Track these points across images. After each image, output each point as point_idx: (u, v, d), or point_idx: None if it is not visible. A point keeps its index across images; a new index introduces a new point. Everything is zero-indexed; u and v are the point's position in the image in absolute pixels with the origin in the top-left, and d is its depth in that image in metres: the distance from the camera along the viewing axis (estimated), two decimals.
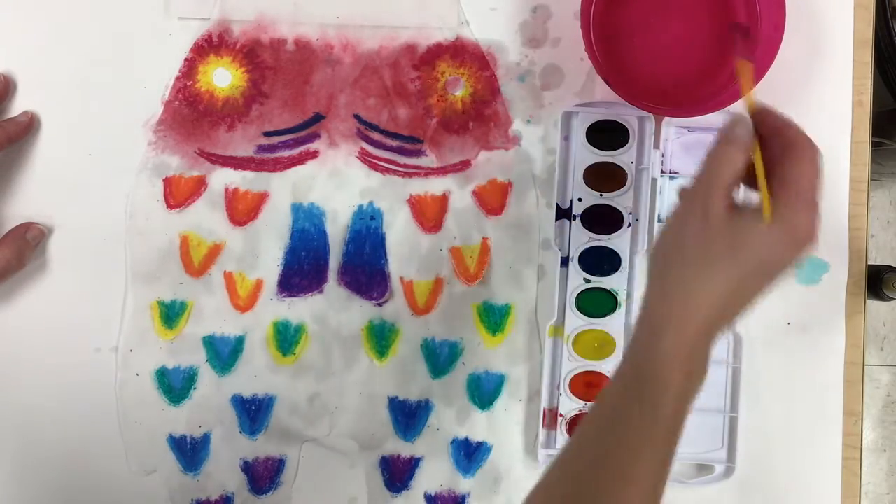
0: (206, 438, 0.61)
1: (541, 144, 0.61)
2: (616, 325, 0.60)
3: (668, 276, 0.44)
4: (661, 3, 0.59)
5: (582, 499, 0.42)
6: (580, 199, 0.61)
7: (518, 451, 0.61)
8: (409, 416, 0.61)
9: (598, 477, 0.42)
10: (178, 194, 0.61)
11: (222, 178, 0.61)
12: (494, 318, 0.61)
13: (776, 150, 0.44)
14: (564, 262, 0.61)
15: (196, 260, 0.61)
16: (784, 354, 0.61)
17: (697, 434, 0.60)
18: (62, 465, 0.61)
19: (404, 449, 0.61)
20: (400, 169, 0.61)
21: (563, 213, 0.61)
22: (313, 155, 0.61)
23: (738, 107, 0.58)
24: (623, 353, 0.46)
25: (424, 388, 0.61)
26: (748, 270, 0.43)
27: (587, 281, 0.60)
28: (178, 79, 0.61)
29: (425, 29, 0.61)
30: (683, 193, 0.46)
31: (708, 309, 0.43)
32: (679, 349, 0.42)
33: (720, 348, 0.60)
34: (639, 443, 0.42)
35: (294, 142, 0.61)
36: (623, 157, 0.60)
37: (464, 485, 0.61)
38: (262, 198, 0.61)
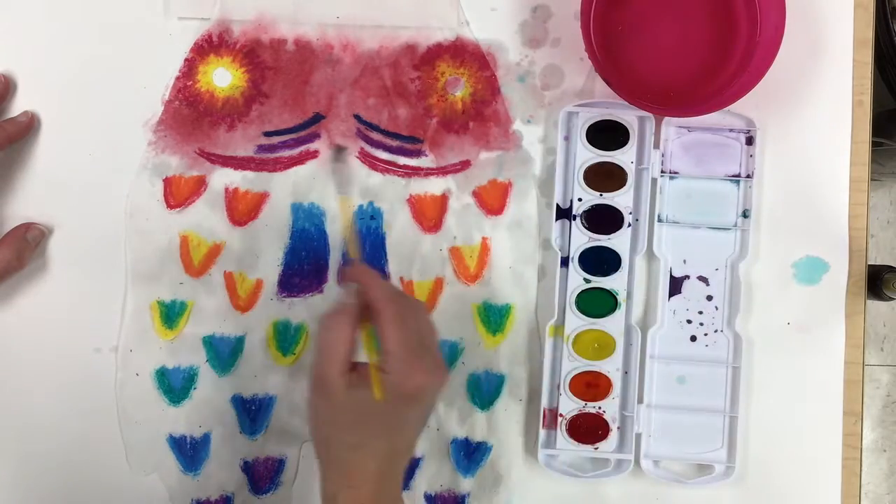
0: (206, 438, 0.61)
1: (541, 144, 0.61)
2: (616, 325, 0.60)
3: (325, 447, 0.48)
4: (662, 3, 0.59)
5: None
6: (580, 199, 0.61)
7: (518, 451, 0.61)
8: None
9: None
10: (178, 194, 0.61)
11: (222, 178, 0.61)
12: (494, 318, 0.61)
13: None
14: (564, 262, 0.61)
15: (196, 260, 0.61)
16: (784, 354, 0.61)
17: (697, 434, 0.60)
18: (62, 464, 0.61)
19: None
20: (400, 169, 0.61)
21: (563, 213, 0.61)
22: (313, 155, 0.61)
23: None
24: None
25: None
26: (381, 432, 0.47)
27: (587, 281, 0.60)
28: (178, 79, 0.61)
29: (425, 29, 0.61)
30: (311, 368, 0.48)
31: (373, 468, 0.46)
32: None
33: (720, 348, 0.61)
34: None
35: (294, 142, 0.61)
36: (623, 157, 0.60)
37: (464, 485, 0.61)
38: (262, 198, 0.61)
